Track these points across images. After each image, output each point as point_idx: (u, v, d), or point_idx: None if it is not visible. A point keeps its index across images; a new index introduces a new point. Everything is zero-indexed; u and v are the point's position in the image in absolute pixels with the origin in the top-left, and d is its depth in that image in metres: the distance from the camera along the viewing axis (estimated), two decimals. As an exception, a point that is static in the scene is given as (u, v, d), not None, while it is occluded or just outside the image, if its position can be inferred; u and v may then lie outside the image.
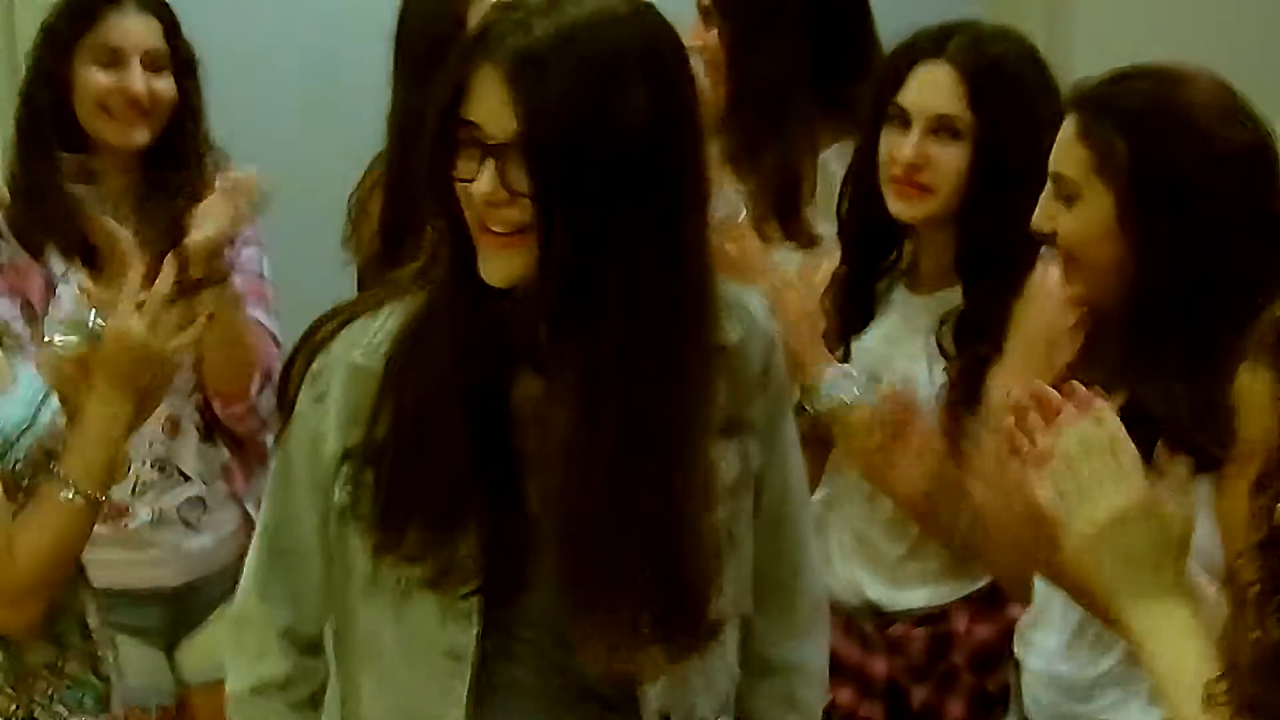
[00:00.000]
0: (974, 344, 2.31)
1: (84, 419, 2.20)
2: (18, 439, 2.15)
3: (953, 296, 2.43)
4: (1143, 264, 1.98)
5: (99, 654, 2.30)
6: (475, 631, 1.71)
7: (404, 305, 1.74)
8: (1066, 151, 2.04)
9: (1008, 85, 2.42)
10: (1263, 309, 1.77)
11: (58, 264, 2.63)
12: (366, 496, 1.71)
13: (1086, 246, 2.03)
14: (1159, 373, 1.93)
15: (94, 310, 2.27)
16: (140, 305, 2.21)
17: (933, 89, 2.41)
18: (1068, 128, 2.05)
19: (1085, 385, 1.74)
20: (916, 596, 2.48)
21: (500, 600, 1.70)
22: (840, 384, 2.34)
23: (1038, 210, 2.08)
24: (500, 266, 1.61)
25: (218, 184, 2.64)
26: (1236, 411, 1.78)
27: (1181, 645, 1.55)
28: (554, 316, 1.65)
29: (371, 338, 1.74)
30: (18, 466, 2.15)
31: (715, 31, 2.75)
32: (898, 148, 2.41)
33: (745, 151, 2.72)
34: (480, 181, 1.56)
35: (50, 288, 2.64)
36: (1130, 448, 1.64)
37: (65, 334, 2.27)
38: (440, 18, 2.79)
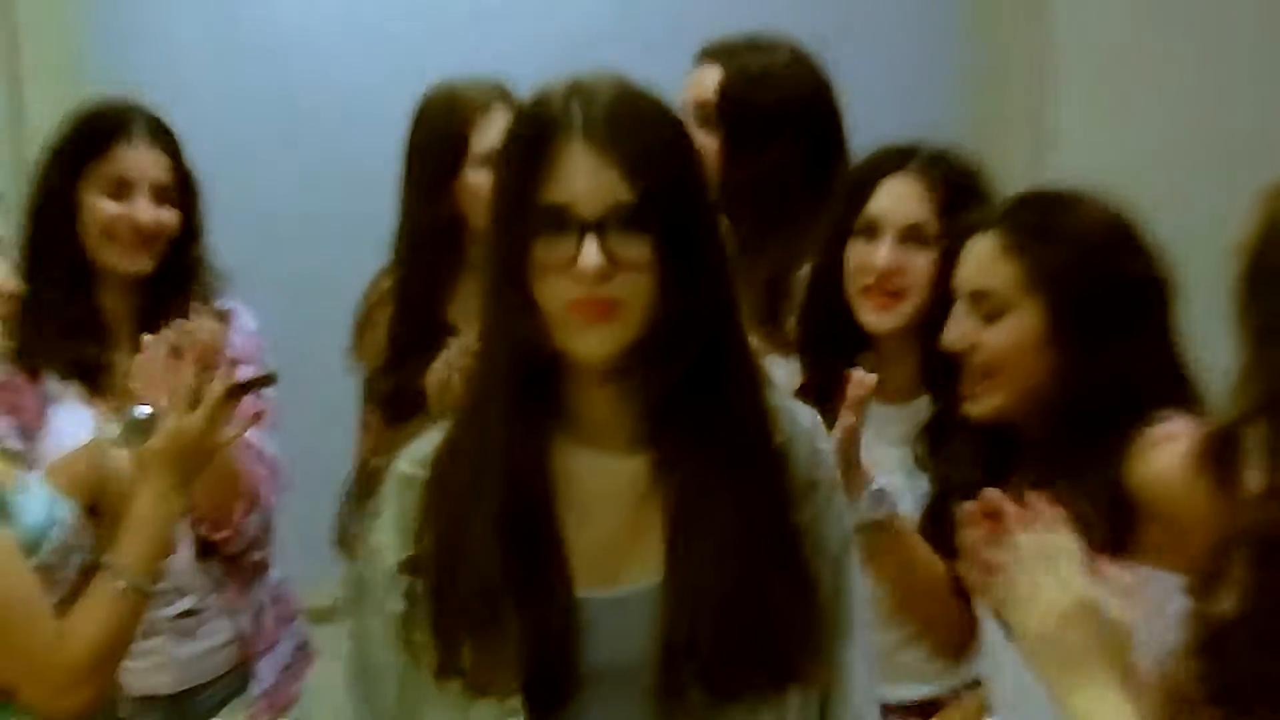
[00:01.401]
0: (947, 452, 2.32)
1: (135, 511, 2.21)
2: (46, 532, 2.18)
3: (922, 406, 2.47)
4: (1073, 372, 2.08)
5: None
6: None
7: (456, 413, 1.78)
8: (989, 269, 2.13)
9: (971, 196, 2.47)
10: (1150, 405, 2.02)
11: (54, 384, 2.67)
12: (419, 608, 1.72)
13: (1015, 359, 2.11)
14: (1073, 473, 2.00)
15: (140, 408, 2.28)
16: (195, 402, 2.23)
17: (902, 199, 2.47)
18: (985, 248, 2.14)
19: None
20: (909, 690, 2.51)
21: (548, 699, 1.69)
22: (880, 499, 2.30)
23: (951, 330, 2.15)
24: (596, 341, 1.63)
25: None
26: (1139, 504, 1.98)
27: None
28: (663, 379, 1.68)
29: (422, 448, 1.77)
30: (51, 558, 2.18)
31: (710, 137, 2.77)
32: (870, 257, 2.45)
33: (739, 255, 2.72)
34: (586, 257, 1.57)
35: (44, 407, 2.67)
36: (1075, 554, 1.67)
37: (122, 432, 2.28)
38: (448, 135, 2.89)
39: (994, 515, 1.73)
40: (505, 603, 1.66)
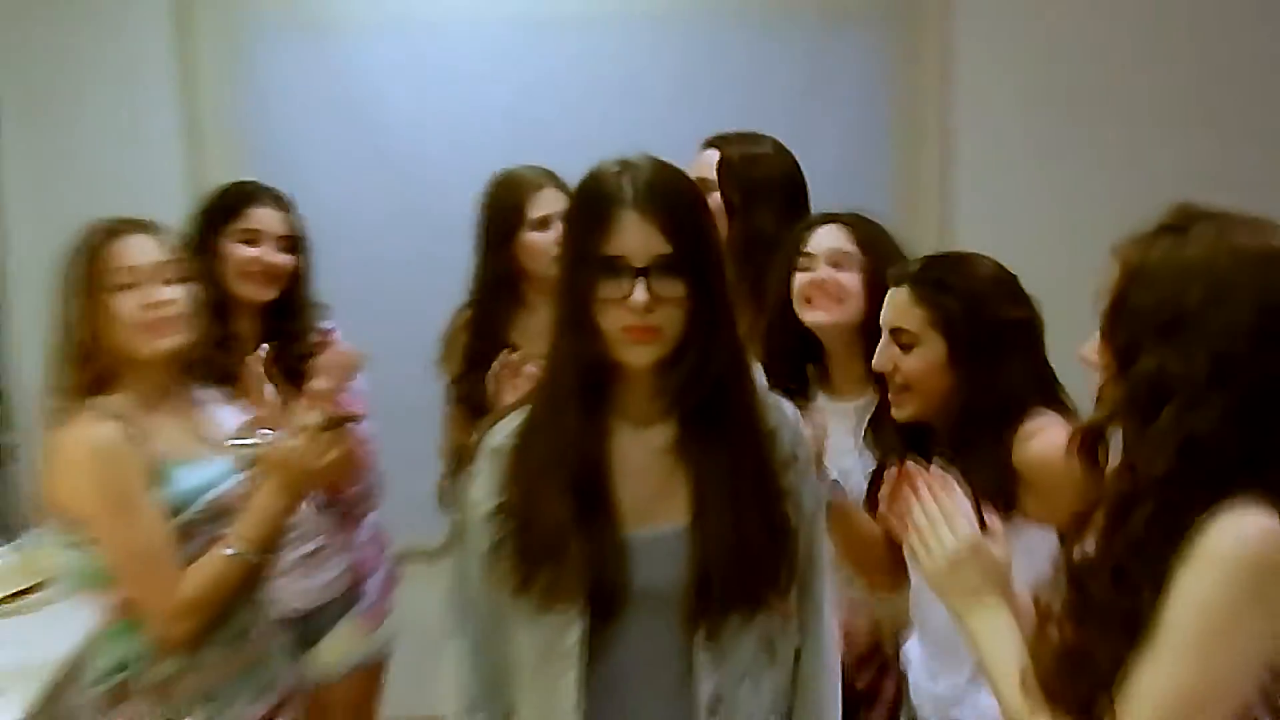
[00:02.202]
0: (883, 438, 2.32)
1: (254, 502, 2.21)
2: (193, 499, 2.20)
3: (868, 399, 2.44)
4: (967, 387, 2.11)
5: (265, 654, 2.33)
6: (581, 632, 1.71)
7: (527, 410, 1.80)
8: (904, 312, 2.15)
9: (880, 234, 2.52)
10: (1027, 408, 2.07)
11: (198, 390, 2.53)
12: (505, 544, 1.75)
13: (923, 379, 2.14)
14: (969, 456, 2.01)
15: (264, 431, 2.29)
16: (302, 431, 2.22)
17: (830, 237, 2.49)
18: (901, 296, 2.16)
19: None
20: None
21: (602, 611, 1.72)
22: (834, 486, 2.26)
23: (879, 356, 2.19)
24: (643, 354, 1.68)
25: (329, 354, 2.63)
26: (1021, 476, 2.02)
27: (1001, 640, 1.58)
28: (687, 384, 1.72)
29: (506, 428, 1.80)
30: (193, 520, 2.20)
31: (715, 196, 2.72)
32: (809, 274, 2.47)
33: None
34: (636, 295, 1.62)
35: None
36: (965, 512, 1.68)
37: (244, 445, 2.29)
38: (508, 209, 2.93)
39: (910, 483, 1.75)
40: (572, 539, 1.70)
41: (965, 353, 2.11)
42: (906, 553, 1.82)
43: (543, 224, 2.90)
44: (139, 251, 2.21)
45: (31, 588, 2.67)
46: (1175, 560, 1.37)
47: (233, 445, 2.31)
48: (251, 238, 2.79)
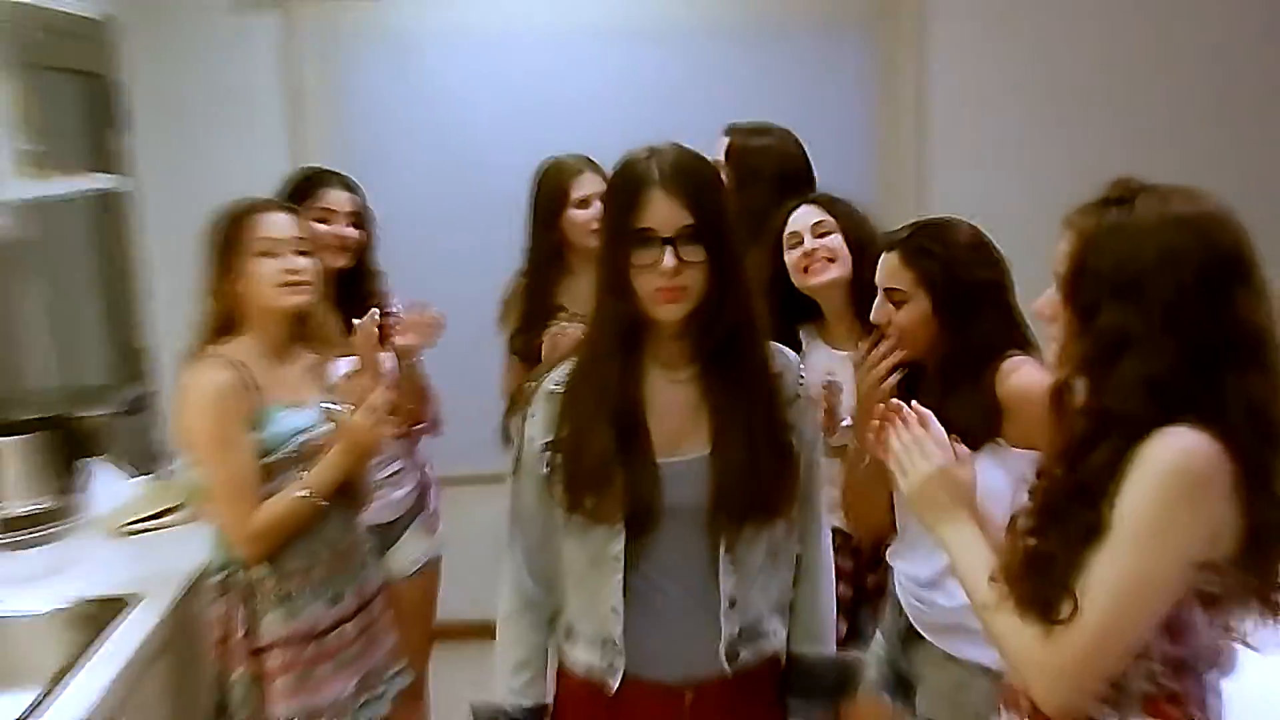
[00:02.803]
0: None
1: (327, 458, 2.23)
2: (288, 440, 2.22)
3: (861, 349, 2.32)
4: (946, 336, 2.09)
5: (351, 562, 2.33)
6: (622, 543, 1.72)
7: (578, 355, 1.80)
8: (895, 273, 2.13)
9: (847, 206, 2.48)
10: (1002, 352, 2.02)
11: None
12: (558, 472, 1.75)
13: (913, 330, 2.12)
14: (955, 393, 2.01)
15: (338, 401, 2.29)
16: (366, 406, 2.24)
17: (807, 214, 2.47)
18: (892, 259, 2.14)
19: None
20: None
21: (640, 526, 1.72)
22: (847, 432, 2.28)
23: (876, 311, 2.16)
24: (672, 311, 1.68)
25: (415, 314, 2.74)
26: (1003, 410, 1.97)
27: (970, 547, 1.58)
28: (707, 335, 1.72)
29: (558, 375, 1.79)
30: (280, 459, 2.22)
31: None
32: (799, 246, 2.45)
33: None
34: (665, 260, 1.63)
35: None
36: (939, 439, 1.67)
37: (330, 406, 2.28)
38: (554, 191, 2.91)
39: (892, 417, 1.73)
40: (615, 466, 1.71)
41: (946, 307, 2.09)
42: (892, 483, 1.78)
43: (584, 203, 2.90)
44: (279, 226, 2.25)
45: (166, 510, 2.67)
46: (1125, 473, 1.38)
47: (322, 404, 2.30)
48: (325, 216, 2.74)
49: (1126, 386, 1.39)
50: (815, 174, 2.81)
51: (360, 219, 2.85)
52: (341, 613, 2.29)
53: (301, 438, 2.25)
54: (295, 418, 2.25)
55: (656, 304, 1.69)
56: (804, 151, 2.82)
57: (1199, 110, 4.17)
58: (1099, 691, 1.43)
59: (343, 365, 2.50)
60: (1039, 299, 1.54)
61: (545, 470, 1.77)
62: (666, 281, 1.66)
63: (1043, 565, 1.43)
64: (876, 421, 1.76)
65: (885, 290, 2.15)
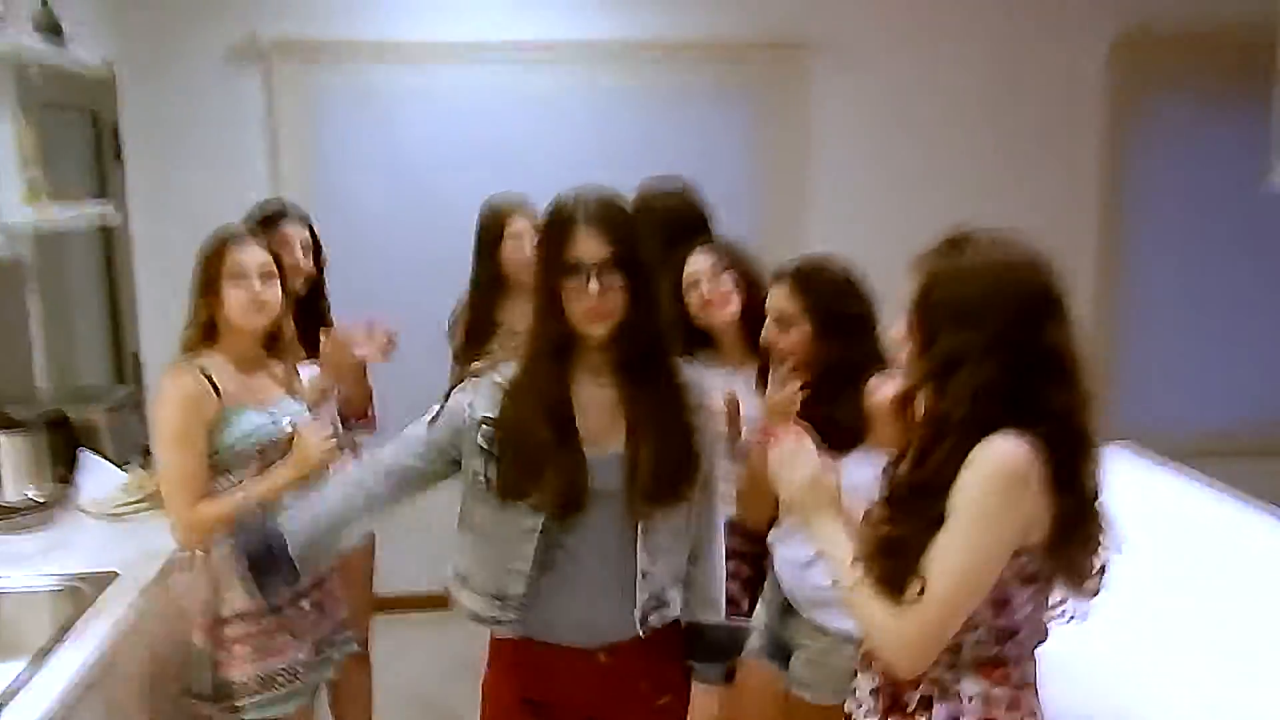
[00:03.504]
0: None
1: (273, 471, 2.17)
2: (248, 437, 2.15)
3: (751, 369, 2.35)
4: (824, 356, 2.11)
5: None
6: (540, 520, 1.70)
7: (518, 363, 1.76)
8: (784, 301, 2.15)
9: (734, 249, 2.50)
10: (869, 371, 2.03)
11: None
12: (496, 450, 1.72)
13: (796, 350, 2.14)
14: (832, 404, 2.04)
15: (289, 420, 2.22)
16: (318, 432, 2.21)
17: (702, 261, 2.45)
18: (783, 289, 2.16)
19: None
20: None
21: (568, 508, 1.70)
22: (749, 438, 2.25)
23: (767, 333, 2.17)
24: (598, 328, 1.69)
25: (369, 331, 2.65)
26: (869, 420, 2.00)
27: (834, 539, 1.57)
28: (628, 349, 1.72)
29: (504, 373, 1.76)
30: (239, 453, 2.15)
31: None
32: (697, 291, 2.44)
33: None
34: (592, 285, 1.65)
35: None
36: (811, 451, 1.65)
37: (286, 419, 2.22)
38: (492, 226, 2.92)
39: (774, 434, 1.72)
40: (548, 457, 1.70)
41: (827, 330, 2.12)
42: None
43: (515, 237, 2.92)
44: (248, 256, 2.19)
45: (148, 497, 2.61)
46: (960, 473, 1.41)
47: (286, 420, 2.24)
48: (281, 247, 2.59)
49: (960, 398, 1.42)
50: (711, 219, 2.80)
51: (314, 250, 2.81)
52: (298, 589, 2.19)
53: (261, 435, 2.19)
54: (257, 418, 2.19)
55: (585, 322, 1.69)
56: (698, 203, 2.80)
57: (1025, 166, 4.29)
58: (939, 656, 1.45)
59: (305, 372, 2.45)
60: (893, 328, 1.56)
61: (481, 443, 1.74)
62: (592, 303, 1.67)
63: (894, 549, 1.46)
64: (762, 437, 1.78)
65: (775, 316, 2.16)
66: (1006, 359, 1.41)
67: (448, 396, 1.80)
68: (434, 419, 1.79)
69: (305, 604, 2.24)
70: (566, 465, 1.70)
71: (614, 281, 1.67)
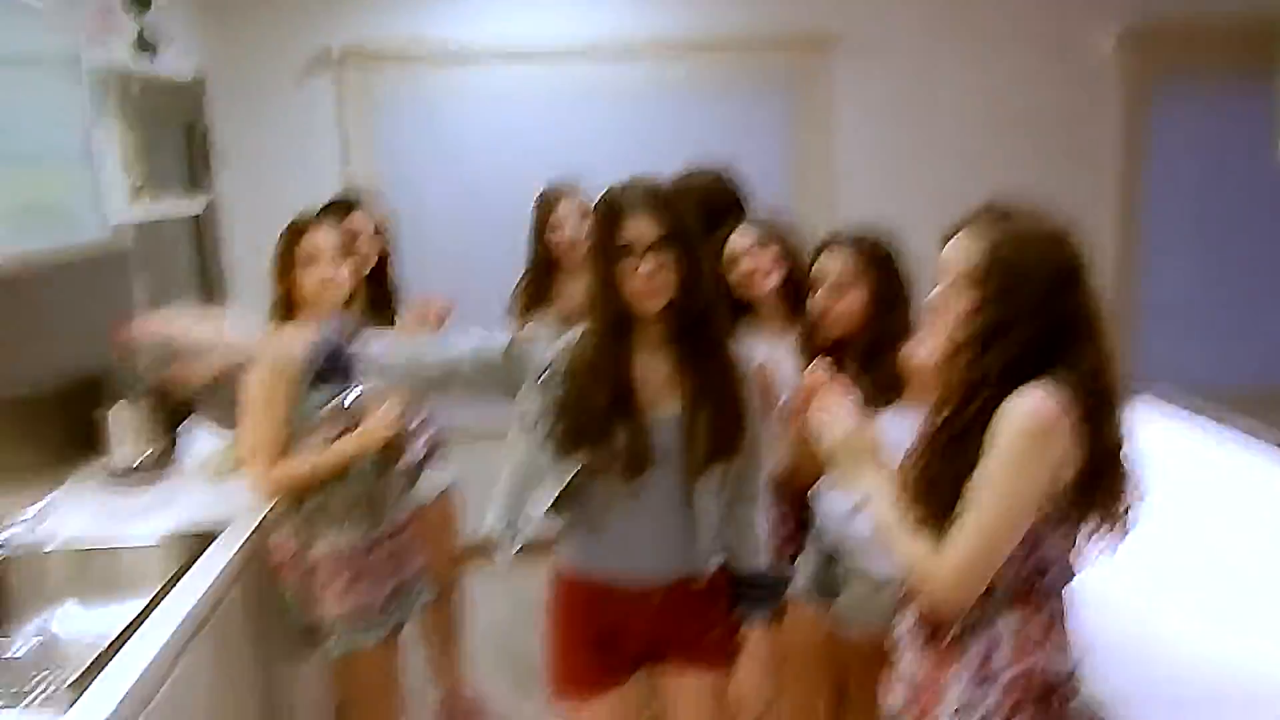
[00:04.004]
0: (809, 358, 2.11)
1: (337, 443, 2.15)
2: (315, 407, 2.15)
3: (792, 336, 2.27)
4: (875, 319, 2.05)
5: (384, 496, 2.26)
6: (571, 471, 1.69)
7: (582, 339, 1.73)
8: (843, 267, 2.06)
9: (774, 224, 2.41)
10: (906, 335, 2.01)
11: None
12: (556, 408, 1.71)
13: (852, 315, 2.07)
14: (874, 365, 2.00)
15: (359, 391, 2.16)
16: (385, 410, 2.18)
17: (744, 238, 2.37)
18: (845, 255, 2.07)
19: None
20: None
21: (635, 466, 1.70)
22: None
23: (823, 298, 2.08)
24: (652, 304, 1.68)
25: (431, 304, 2.68)
26: (905, 380, 1.97)
27: (876, 489, 1.55)
28: (681, 321, 1.71)
29: (572, 338, 1.74)
30: (306, 422, 2.15)
31: None
32: (740, 268, 2.36)
33: None
34: (645, 265, 1.65)
35: None
36: (851, 408, 1.63)
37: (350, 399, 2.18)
38: (542, 212, 2.91)
39: (816, 389, 1.69)
40: (611, 419, 1.70)
41: (879, 297, 2.05)
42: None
43: (561, 222, 2.89)
44: (321, 240, 2.19)
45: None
46: (993, 422, 1.39)
47: (357, 393, 2.20)
48: (352, 234, 2.62)
49: (1005, 355, 1.40)
50: (747, 200, 2.70)
51: (381, 233, 2.80)
52: (376, 538, 2.24)
53: (330, 405, 2.18)
54: (329, 389, 2.15)
55: (640, 299, 1.69)
56: (735, 185, 2.70)
57: (1044, 152, 4.22)
58: (978, 592, 1.42)
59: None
60: (931, 294, 1.51)
61: (543, 391, 1.71)
62: (646, 281, 1.66)
63: (934, 486, 1.44)
64: (803, 393, 1.72)
65: (832, 281, 2.08)
66: (1049, 319, 1.40)
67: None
68: (509, 345, 1.75)
69: (384, 549, 2.25)
70: (633, 433, 1.70)
71: (665, 260, 1.66)
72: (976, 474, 1.39)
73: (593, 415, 1.69)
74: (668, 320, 1.72)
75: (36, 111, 2.29)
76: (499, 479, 1.80)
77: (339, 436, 2.19)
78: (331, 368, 1.75)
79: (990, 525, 1.38)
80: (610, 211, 1.69)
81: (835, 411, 1.64)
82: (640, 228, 1.66)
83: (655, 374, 1.74)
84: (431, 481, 2.88)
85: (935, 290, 1.51)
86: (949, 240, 1.48)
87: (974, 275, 1.43)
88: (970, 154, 4.20)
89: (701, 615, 1.83)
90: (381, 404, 2.20)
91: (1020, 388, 1.37)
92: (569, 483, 1.74)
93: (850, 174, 4.18)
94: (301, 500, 2.19)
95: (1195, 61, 4.23)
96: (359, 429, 2.19)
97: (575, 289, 2.83)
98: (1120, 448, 1.44)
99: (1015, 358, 1.39)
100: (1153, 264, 4.37)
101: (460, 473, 3.01)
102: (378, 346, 1.80)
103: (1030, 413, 1.36)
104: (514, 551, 1.77)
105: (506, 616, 3.63)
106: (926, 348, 1.91)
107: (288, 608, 2.21)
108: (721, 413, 1.74)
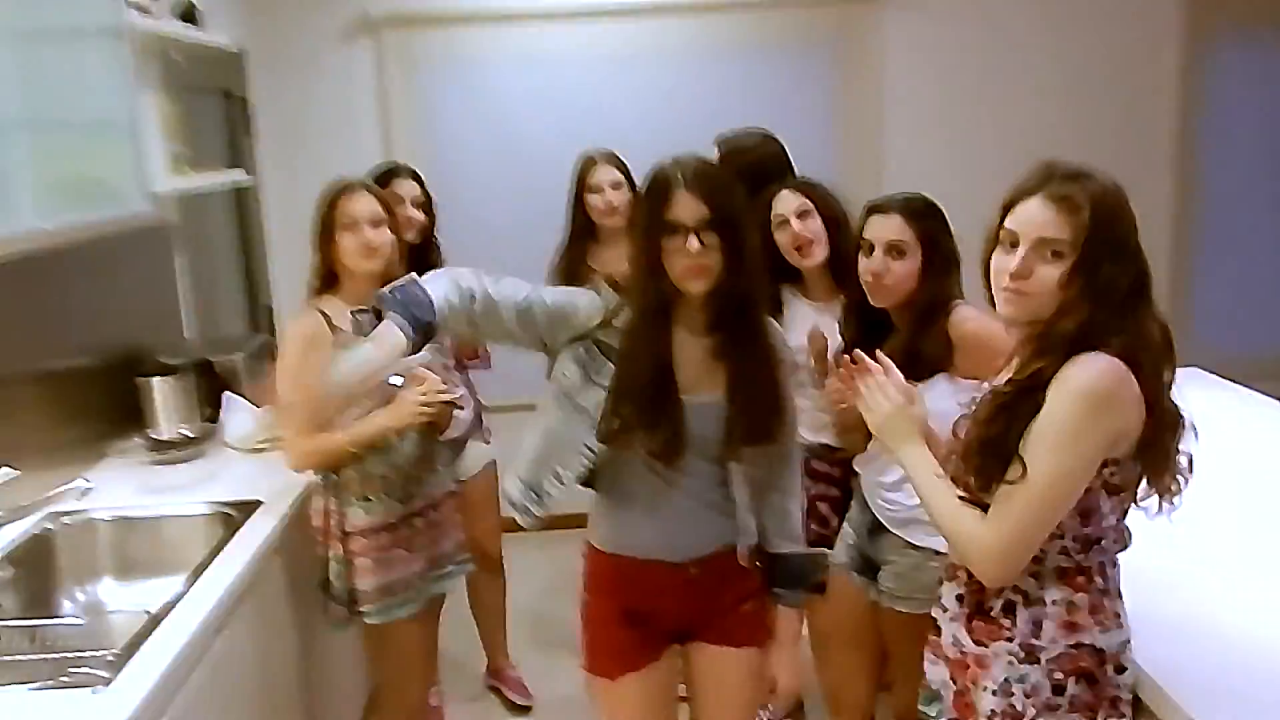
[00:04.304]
0: (850, 329, 2.11)
1: (374, 416, 2.11)
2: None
3: (837, 305, 2.20)
4: (927, 284, 1.96)
5: (426, 469, 2.24)
6: (596, 444, 1.69)
7: (625, 317, 1.70)
8: (897, 233, 1.97)
9: (821, 189, 2.36)
10: (952, 301, 1.95)
11: None
12: (590, 370, 1.69)
13: (905, 280, 1.97)
14: (922, 333, 1.93)
15: (397, 378, 2.11)
16: (420, 391, 2.12)
17: (791, 202, 2.33)
18: (897, 220, 1.98)
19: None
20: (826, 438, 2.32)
21: (672, 450, 1.69)
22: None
23: (876, 264, 1.98)
24: (697, 285, 1.65)
25: None
26: (956, 347, 1.91)
27: (921, 462, 1.53)
28: (724, 305, 1.69)
29: (618, 319, 1.70)
30: (360, 389, 2.08)
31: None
32: (785, 225, 2.33)
33: None
34: (691, 244, 1.61)
35: None
36: (898, 381, 1.61)
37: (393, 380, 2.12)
38: (579, 179, 2.88)
39: (859, 364, 1.66)
40: (650, 402, 1.68)
41: (932, 263, 1.97)
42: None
43: (596, 188, 2.87)
44: (360, 205, 2.17)
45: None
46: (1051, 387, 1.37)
47: (391, 378, 2.13)
48: (396, 202, 2.57)
49: (1093, 320, 1.35)
50: (791, 165, 2.67)
51: (425, 204, 2.77)
52: (411, 510, 2.23)
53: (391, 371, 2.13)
54: (352, 362, 2.10)
55: (685, 279, 1.65)
56: (781, 149, 2.68)
57: (1097, 109, 4.11)
58: (1024, 563, 1.40)
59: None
60: (1015, 262, 1.40)
61: (581, 354, 1.70)
62: (692, 261, 1.63)
63: (994, 445, 1.40)
64: (845, 369, 1.70)
65: (886, 247, 1.98)
66: (1132, 283, 1.36)
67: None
68: (553, 302, 1.72)
69: (419, 523, 2.25)
70: (670, 417, 1.68)
71: (712, 240, 1.63)
72: (1029, 441, 1.35)
73: (634, 397, 1.68)
74: (710, 304, 1.70)
75: (79, 82, 2.29)
76: (524, 442, 1.79)
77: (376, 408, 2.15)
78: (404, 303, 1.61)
79: (1041, 494, 1.35)
80: (658, 187, 1.65)
81: (880, 390, 1.61)
82: (688, 205, 1.62)
83: (693, 358, 1.72)
84: (475, 454, 2.87)
85: (1015, 257, 1.40)
86: (1014, 203, 1.42)
87: (1072, 242, 1.36)
88: (1025, 113, 4.10)
89: (733, 594, 1.83)
90: (422, 382, 2.16)
91: (1085, 351, 1.34)
92: (603, 460, 1.73)
93: (898, 139, 4.09)
94: (337, 472, 2.18)
95: (1259, 20, 4.09)
96: (393, 403, 2.15)
97: (613, 255, 2.81)
98: (1178, 415, 1.40)
99: (1097, 323, 1.34)
100: (1207, 226, 4.25)
101: (497, 445, 3.00)
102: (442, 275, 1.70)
103: (1089, 379, 1.32)
104: (535, 516, 1.74)
105: (549, 586, 3.65)
106: (978, 317, 1.87)
107: (325, 578, 2.21)
108: (762, 400, 1.73)
